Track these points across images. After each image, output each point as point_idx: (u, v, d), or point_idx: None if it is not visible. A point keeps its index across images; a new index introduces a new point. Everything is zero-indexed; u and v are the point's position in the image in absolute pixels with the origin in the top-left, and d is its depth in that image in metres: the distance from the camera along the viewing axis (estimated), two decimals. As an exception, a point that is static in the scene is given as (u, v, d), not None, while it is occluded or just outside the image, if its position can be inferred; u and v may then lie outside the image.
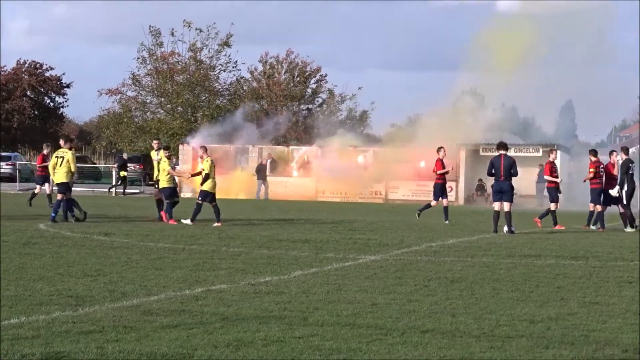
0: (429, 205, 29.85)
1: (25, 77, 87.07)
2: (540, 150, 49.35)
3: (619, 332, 9.53)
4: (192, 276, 13.34)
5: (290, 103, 70.95)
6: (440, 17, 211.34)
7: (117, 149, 74.07)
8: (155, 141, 30.11)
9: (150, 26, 66.03)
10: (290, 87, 71.48)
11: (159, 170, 26.97)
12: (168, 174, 26.11)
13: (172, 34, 66.07)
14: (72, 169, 25.05)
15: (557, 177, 28.05)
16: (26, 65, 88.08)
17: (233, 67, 67.89)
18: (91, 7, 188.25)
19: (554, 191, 27.75)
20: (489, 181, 30.29)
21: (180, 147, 53.53)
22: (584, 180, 28.33)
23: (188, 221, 24.68)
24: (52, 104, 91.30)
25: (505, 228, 23.89)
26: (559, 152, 36.06)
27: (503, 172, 24.11)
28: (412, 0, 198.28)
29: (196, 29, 66.13)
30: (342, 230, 23.81)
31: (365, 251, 18.03)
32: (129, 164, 55.33)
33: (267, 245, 18.80)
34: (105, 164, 79.15)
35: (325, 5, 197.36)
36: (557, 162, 29.66)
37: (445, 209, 29.35)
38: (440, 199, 29.39)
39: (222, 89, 68.90)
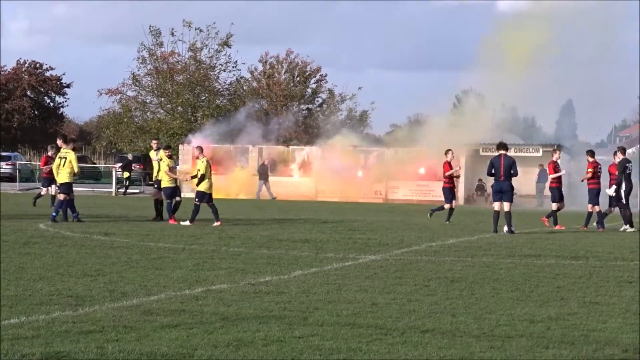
0: (442, 208, 29.72)
1: (25, 77, 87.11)
2: (540, 150, 49.38)
3: (619, 332, 9.53)
4: (192, 276, 13.34)
5: (290, 103, 70.95)
6: (440, 17, 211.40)
7: (117, 149, 74.09)
8: (154, 141, 30.12)
9: (150, 26, 66.06)
10: (290, 87, 71.48)
11: (158, 170, 27.00)
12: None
13: (172, 34, 66.10)
14: (75, 170, 25.10)
15: (559, 172, 28.02)
16: (26, 65, 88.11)
17: (233, 67, 67.93)
18: (91, 7, 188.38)
19: (557, 191, 27.77)
20: (489, 181, 30.28)
21: (180, 147, 53.53)
22: (582, 180, 28.43)
23: (187, 222, 24.68)
24: (52, 103, 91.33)
25: (505, 228, 23.89)
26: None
27: (503, 172, 24.11)
28: (412, 0, 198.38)
29: (196, 29, 66.16)
30: (342, 230, 23.81)
31: (365, 251, 18.03)
32: (120, 165, 55.40)
33: (267, 245, 18.80)
34: (105, 164, 79.17)
35: (325, 5, 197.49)
36: (559, 162, 29.66)
37: (441, 209, 29.37)
38: (448, 202, 29.27)
39: (222, 89, 68.90)
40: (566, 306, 11.20)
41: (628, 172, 26.51)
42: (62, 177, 24.94)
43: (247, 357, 7.97)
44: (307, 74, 72.34)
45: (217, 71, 67.84)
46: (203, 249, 17.65)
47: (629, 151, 33.33)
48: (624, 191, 26.36)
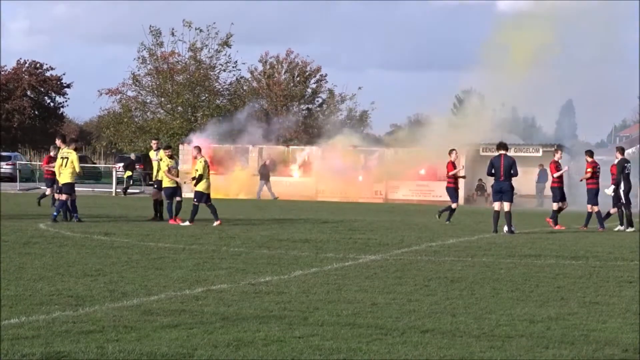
0: (450, 207, 29.50)
1: (26, 77, 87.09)
2: (540, 150, 49.36)
3: (619, 332, 9.53)
4: (193, 276, 13.34)
5: (290, 103, 70.95)
6: (440, 17, 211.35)
7: (117, 149, 74.07)
8: (154, 141, 30.12)
9: (150, 26, 66.03)
10: (290, 87, 71.48)
11: (158, 170, 27.02)
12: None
13: (172, 34, 66.05)
14: (77, 170, 25.15)
15: (561, 170, 28.04)
16: (26, 65, 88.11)
17: (233, 67, 67.90)
18: (91, 7, 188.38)
19: (557, 191, 27.79)
20: (489, 181, 30.29)
21: (181, 147, 53.52)
22: (581, 180, 28.48)
23: (187, 223, 24.68)
24: (52, 103, 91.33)
25: (505, 228, 23.90)
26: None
27: (503, 172, 24.12)
28: (412, 0, 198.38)
29: (196, 29, 66.12)
30: (342, 230, 23.81)
31: (366, 251, 18.04)
32: (122, 165, 55.38)
33: (268, 245, 18.80)
34: (105, 163, 79.17)
35: (325, 5, 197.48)
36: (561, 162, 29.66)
37: (452, 210, 29.11)
38: (453, 202, 29.19)
39: (222, 89, 68.88)
40: (566, 306, 11.21)
41: (627, 172, 26.60)
42: (64, 177, 24.99)
43: (247, 357, 7.97)
44: (307, 74, 72.33)
45: (217, 71, 67.86)
46: (203, 249, 17.65)
47: (628, 151, 33.36)
48: (623, 191, 26.42)
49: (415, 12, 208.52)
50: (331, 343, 8.56)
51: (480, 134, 48.03)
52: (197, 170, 25.65)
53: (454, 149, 29.83)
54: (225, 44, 66.66)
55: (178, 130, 63.27)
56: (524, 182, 42.05)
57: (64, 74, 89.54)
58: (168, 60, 66.29)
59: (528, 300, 11.61)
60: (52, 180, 33.67)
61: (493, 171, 24.38)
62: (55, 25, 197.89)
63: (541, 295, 12.11)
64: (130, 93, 67.68)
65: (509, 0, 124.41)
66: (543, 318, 10.24)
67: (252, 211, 34.10)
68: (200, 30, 66.09)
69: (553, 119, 71.99)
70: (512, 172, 24.15)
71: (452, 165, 29.35)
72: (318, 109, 72.96)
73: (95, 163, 76.22)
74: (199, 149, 26.82)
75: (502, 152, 24.43)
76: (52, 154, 33.87)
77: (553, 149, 32.14)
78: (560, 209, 27.50)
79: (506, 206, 24.11)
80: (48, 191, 34.09)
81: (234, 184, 50.28)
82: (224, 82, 68.78)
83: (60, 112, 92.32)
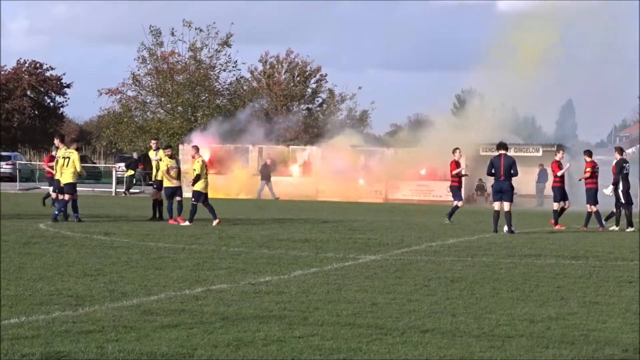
0: (457, 207, 29.36)
1: (26, 77, 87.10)
2: (540, 150, 49.34)
3: (619, 331, 9.53)
4: (192, 276, 13.34)
5: (290, 103, 70.95)
6: (440, 17, 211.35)
7: (117, 149, 74.04)
8: (153, 141, 30.12)
9: (150, 26, 66.02)
10: (290, 86, 71.47)
11: (157, 170, 27.03)
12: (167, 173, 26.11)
13: (172, 34, 66.03)
14: (78, 169, 25.18)
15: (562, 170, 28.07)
16: (26, 65, 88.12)
17: (233, 66, 67.89)
18: (91, 7, 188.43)
19: (558, 191, 27.82)
20: (489, 181, 30.27)
21: (181, 146, 53.51)
22: (580, 180, 28.53)
23: (186, 222, 24.68)
24: (52, 103, 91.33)
25: (505, 228, 23.90)
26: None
27: (503, 172, 24.13)
28: (412, 0, 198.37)
29: (196, 29, 66.10)
30: (342, 230, 23.81)
31: (366, 251, 18.03)
32: (125, 165, 55.33)
33: (267, 245, 18.80)
34: (105, 163, 79.16)
35: (325, 5, 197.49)
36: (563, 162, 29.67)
37: (455, 209, 29.01)
38: (456, 200, 29.15)
39: (222, 89, 68.88)
40: (566, 306, 11.21)
41: (625, 172, 26.67)
42: (66, 177, 25.03)
43: (247, 357, 7.97)
44: (307, 73, 72.33)
45: (217, 71, 67.84)
46: (203, 249, 17.65)
47: (628, 151, 33.40)
48: (622, 191, 26.49)
49: (415, 12, 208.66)
50: (331, 343, 8.56)
51: (485, 134, 47.92)
52: (194, 169, 25.65)
53: (457, 148, 29.79)
54: (225, 43, 66.65)
55: (178, 130, 63.26)
56: (524, 182, 42.03)
57: (64, 74, 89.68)
58: (168, 60, 66.27)
59: (528, 300, 11.61)
60: (53, 179, 33.66)
61: (493, 171, 24.39)
62: (55, 25, 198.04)
63: (541, 295, 12.10)
64: (130, 93, 67.70)
65: (509, 0, 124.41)
66: (543, 318, 10.24)
67: (252, 211, 34.10)
68: (200, 30, 66.11)
69: (553, 119, 71.99)
70: (512, 172, 24.16)
71: (456, 164, 29.33)
72: (318, 108, 72.96)
73: (95, 163, 76.20)
74: (196, 148, 26.80)
75: (502, 151, 24.44)
76: (53, 153, 33.89)
77: (553, 149, 32.16)
78: (562, 209, 27.53)
79: (506, 206, 24.11)
80: (52, 191, 34.14)
81: (234, 183, 50.28)
82: (224, 82, 68.82)
83: (60, 112, 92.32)
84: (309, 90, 72.85)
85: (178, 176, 26.51)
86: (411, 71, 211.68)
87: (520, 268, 15.40)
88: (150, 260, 15.38)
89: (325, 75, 72.98)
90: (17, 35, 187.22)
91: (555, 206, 27.64)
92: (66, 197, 24.97)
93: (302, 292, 11.85)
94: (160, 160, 26.86)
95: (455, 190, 29.40)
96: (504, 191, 24.26)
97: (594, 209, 26.98)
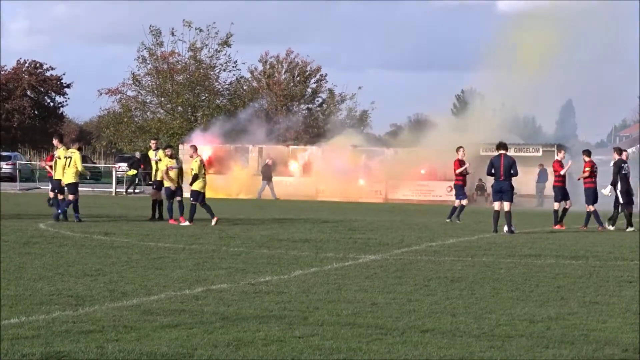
0: (463, 207, 29.27)
1: (26, 76, 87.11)
2: (540, 150, 49.33)
3: (619, 331, 9.53)
4: (192, 276, 13.34)
5: (290, 103, 70.96)
6: (440, 17, 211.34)
7: (117, 149, 74.03)
8: (152, 141, 30.11)
9: (150, 26, 66.05)
10: (290, 86, 71.48)
11: (156, 170, 27.02)
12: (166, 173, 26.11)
13: (172, 34, 66.07)
14: (79, 169, 25.21)
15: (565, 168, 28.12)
16: (26, 65, 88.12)
17: (233, 66, 67.92)
18: (91, 7, 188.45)
19: (559, 190, 27.85)
20: (489, 181, 30.26)
21: (180, 146, 53.51)
22: (579, 179, 28.58)
23: (186, 223, 24.68)
24: (52, 103, 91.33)
25: (505, 228, 23.90)
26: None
27: (503, 171, 24.13)
28: (412, 0, 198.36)
29: (196, 29, 66.13)
30: (342, 230, 23.80)
31: (366, 251, 18.03)
32: (127, 164, 55.31)
33: (267, 245, 18.80)
34: (105, 163, 79.16)
35: (325, 5, 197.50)
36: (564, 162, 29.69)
37: (462, 208, 28.92)
38: (460, 199, 29.11)
39: (222, 89, 68.89)
40: (566, 306, 11.21)
41: (624, 172, 26.69)
42: (68, 177, 25.06)
43: (247, 357, 7.97)
44: (307, 73, 72.34)
45: (217, 71, 67.88)
46: (203, 249, 17.65)
47: (628, 151, 33.43)
48: (620, 191, 26.52)
49: (415, 12, 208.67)
50: (331, 343, 8.56)
51: (486, 134, 47.83)
52: (192, 169, 25.65)
53: (461, 147, 29.78)
54: (225, 43, 66.67)
55: (178, 130, 63.27)
56: (524, 182, 42.01)
57: (64, 74, 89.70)
58: (168, 60, 66.29)
59: (528, 300, 11.61)
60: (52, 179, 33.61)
61: (493, 171, 24.39)
62: (55, 25, 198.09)
63: (541, 295, 12.10)
64: (130, 93, 67.73)
65: (509, 0, 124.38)
66: (543, 318, 10.24)
67: (252, 211, 34.09)
68: (200, 30, 66.14)
69: (553, 119, 71.97)
70: (512, 171, 24.16)
71: (459, 162, 29.32)
72: (318, 108, 72.97)
73: (95, 163, 76.21)
74: (194, 148, 26.82)
75: (502, 151, 24.44)
76: (55, 153, 33.85)
77: (553, 148, 32.20)
78: (565, 210, 27.56)
79: (506, 206, 24.11)
80: (50, 191, 34.12)
81: (234, 183, 50.26)
82: (224, 82, 68.85)
83: (60, 112, 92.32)
84: (309, 90, 72.86)
85: (179, 176, 26.49)
86: (411, 71, 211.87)
87: (520, 268, 15.40)
88: (150, 260, 15.38)
89: (325, 75, 73.11)
90: (17, 35, 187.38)
91: (556, 206, 27.65)
92: (70, 197, 25.01)
93: (302, 292, 11.85)
94: (160, 160, 26.85)
95: (460, 189, 29.38)
96: (504, 191, 24.27)
97: (591, 208, 27.01)
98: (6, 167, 61.27)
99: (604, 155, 45.02)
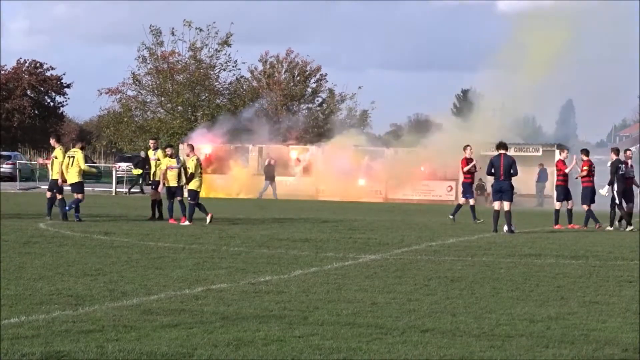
0: (473, 207, 29.16)
1: (26, 76, 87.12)
2: (540, 149, 49.30)
3: (619, 331, 9.53)
4: (192, 275, 13.34)
5: (290, 103, 70.94)
6: (440, 17, 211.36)
7: (118, 149, 74.01)
8: (152, 141, 30.09)
9: (150, 25, 66.02)
10: (290, 86, 71.46)
11: (156, 170, 27.01)
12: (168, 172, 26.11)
13: (173, 34, 66.02)
14: (82, 167, 25.25)
15: (570, 166, 28.26)
16: (26, 64, 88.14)
17: (233, 66, 67.88)
18: (91, 7, 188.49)
19: (562, 190, 27.88)
20: (489, 181, 30.26)
21: (181, 146, 53.50)
22: (576, 178, 28.64)
23: (186, 222, 24.69)
24: (52, 103, 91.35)
25: (505, 227, 23.90)
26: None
27: (503, 171, 24.14)
28: (412, 0, 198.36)
29: (196, 29, 66.06)
30: (342, 230, 23.80)
31: (366, 250, 18.03)
32: (128, 164, 55.30)
33: (267, 245, 18.80)
34: (105, 163, 79.16)
35: (325, 5, 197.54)
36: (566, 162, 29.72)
37: (472, 208, 28.78)
38: (467, 197, 29.07)
39: (222, 88, 68.88)
40: (566, 306, 11.21)
41: (621, 172, 26.73)
42: (72, 176, 25.10)
43: (247, 357, 7.97)
44: (307, 73, 72.32)
45: (217, 70, 67.84)
46: (203, 249, 17.65)
47: (632, 149, 33.42)
48: (617, 192, 26.56)
49: (415, 12, 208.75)
50: (331, 342, 8.56)
51: (489, 135, 47.72)
52: (188, 168, 25.66)
53: (468, 145, 29.74)
54: (225, 43, 66.63)
55: (178, 130, 63.25)
56: (524, 181, 41.99)
57: (64, 74, 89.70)
58: (168, 59, 66.26)
59: (528, 300, 11.62)
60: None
61: (493, 170, 24.40)
62: (55, 25, 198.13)
63: (541, 295, 12.11)
64: (130, 92, 67.69)
65: (509, 0, 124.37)
66: (543, 317, 10.24)
67: (252, 210, 34.08)
68: (200, 30, 66.08)
69: (553, 119, 71.87)
70: (512, 171, 24.17)
71: (466, 161, 29.31)
72: (318, 108, 72.95)
73: (95, 162, 76.21)
74: (191, 147, 26.85)
75: (502, 151, 24.45)
76: None
77: (553, 148, 32.22)
78: (570, 210, 27.58)
79: (506, 205, 24.12)
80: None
81: (234, 183, 50.24)
82: (224, 82, 68.83)
83: (60, 112, 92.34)
84: (309, 90, 72.85)
85: (179, 175, 26.46)
86: (411, 71, 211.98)
87: (520, 268, 15.40)
88: (150, 259, 15.38)
89: (325, 75, 73.02)
90: (17, 35, 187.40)
91: (557, 206, 27.68)
92: (79, 196, 25.07)
93: (302, 292, 11.85)
94: (159, 160, 26.83)
95: (467, 187, 29.37)
96: (504, 191, 24.27)
97: (586, 207, 27.10)
98: (6, 167, 61.27)
99: (604, 155, 44.97)
